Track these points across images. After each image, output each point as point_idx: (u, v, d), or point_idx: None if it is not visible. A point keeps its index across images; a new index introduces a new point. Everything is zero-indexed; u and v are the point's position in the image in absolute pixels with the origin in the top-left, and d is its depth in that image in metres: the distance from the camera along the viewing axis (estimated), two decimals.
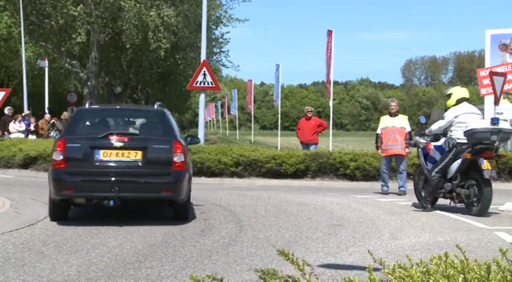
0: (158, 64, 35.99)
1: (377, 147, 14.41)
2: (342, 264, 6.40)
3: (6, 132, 23.31)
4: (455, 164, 10.31)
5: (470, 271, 2.61)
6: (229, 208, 10.57)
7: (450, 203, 10.72)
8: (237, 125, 60.09)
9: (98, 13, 28.51)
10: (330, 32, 24.12)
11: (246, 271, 5.96)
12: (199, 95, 20.78)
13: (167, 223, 8.91)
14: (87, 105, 10.31)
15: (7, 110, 23.85)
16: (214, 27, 38.33)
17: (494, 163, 10.10)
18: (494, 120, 10.08)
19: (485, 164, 9.92)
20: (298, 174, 16.95)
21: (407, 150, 13.95)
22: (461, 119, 10.35)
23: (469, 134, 10.04)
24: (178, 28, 30.07)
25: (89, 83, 31.33)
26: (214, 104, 77.28)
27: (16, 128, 23.16)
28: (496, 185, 16.27)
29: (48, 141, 20.93)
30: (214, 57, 41.50)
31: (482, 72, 23.48)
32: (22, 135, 22.74)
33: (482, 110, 28.05)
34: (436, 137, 10.86)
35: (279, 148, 26.68)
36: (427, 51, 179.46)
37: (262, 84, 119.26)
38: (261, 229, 8.53)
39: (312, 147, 18.84)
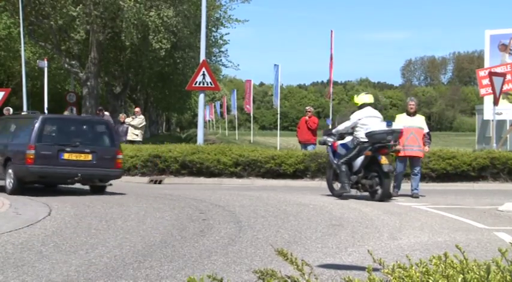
0: (157, 64, 35.97)
1: None
2: (341, 264, 6.40)
3: None
4: (359, 160, 12.22)
5: (469, 271, 2.61)
6: (229, 208, 10.57)
7: (357, 192, 12.55)
8: (236, 125, 60.06)
9: (97, 13, 28.47)
10: (331, 32, 24.15)
11: (245, 271, 5.96)
12: (199, 95, 20.79)
13: (166, 223, 8.91)
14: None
15: (5, 110, 23.78)
16: (214, 29, 38.32)
17: (390, 158, 12.37)
18: (388, 123, 12.31)
19: (383, 160, 11.97)
20: (297, 174, 16.95)
21: (426, 148, 13.48)
22: (364, 121, 12.32)
23: (369, 135, 12.07)
24: (178, 28, 30.05)
25: (88, 83, 31.31)
26: (213, 104, 77.28)
27: None
28: (495, 185, 16.37)
29: None
30: (214, 58, 41.52)
31: (482, 73, 23.49)
32: None
33: (481, 110, 28.08)
34: (341, 136, 12.72)
35: (278, 148, 26.67)
36: (427, 51, 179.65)
37: (262, 84, 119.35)
38: (260, 229, 8.52)
39: (310, 148, 18.86)
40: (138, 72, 38.37)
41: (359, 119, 12.41)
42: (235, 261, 6.44)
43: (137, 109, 25.21)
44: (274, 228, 8.63)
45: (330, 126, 13.44)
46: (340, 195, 12.43)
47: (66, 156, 12.69)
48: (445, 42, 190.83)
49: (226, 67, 45.64)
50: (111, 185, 13.52)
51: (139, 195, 12.84)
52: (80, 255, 6.62)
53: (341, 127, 12.80)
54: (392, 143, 12.27)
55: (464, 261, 2.69)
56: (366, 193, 12.44)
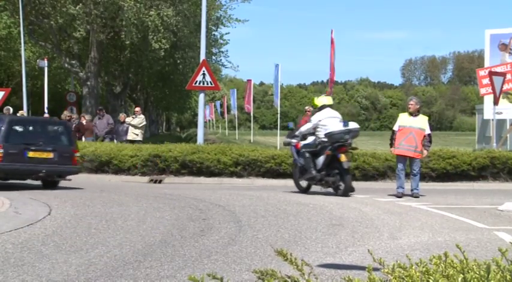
0: (157, 64, 35.97)
1: (391, 145, 13.44)
2: (341, 264, 6.39)
3: None
4: (321, 159, 13.10)
5: (469, 271, 2.61)
6: (229, 208, 10.56)
7: (321, 188, 13.45)
8: (236, 125, 60.00)
9: (97, 12, 28.47)
10: (330, 32, 24.09)
11: (245, 271, 5.96)
12: (199, 94, 20.78)
13: (166, 223, 8.91)
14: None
15: (5, 110, 23.76)
16: (214, 28, 38.32)
17: (349, 155, 13.17)
18: (345, 124, 13.25)
19: (343, 157, 12.83)
20: None
21: (425, 152, 13.18)
22: (324, 122, 13.26)
23: (328, 136, 13.02)
24: (178, 28, 30.05)
25: (88, 83, 31.31)
26: (213, 103, 77.20)
27: None
28: (495, 185, 16.38)
29: None
30: (214, 57, 41.51)
31: (482, 72, 23.50)
32: None
33: (481, 109, 28.08)
34: (304, 137, 13.59)
35: (278, 148, 26.63)
36: (427, 51, 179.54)
37: (262, 84, 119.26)
38: (260, 229, 8.52)
39: None
40: (138, 71, 38.38)
41: (319, 121, 13.34)
42: (235, 261, 6.44)
43: (137, 109, 25.23)
44: (274, 228, 8.63)
45: (291, 127, 14.61)
46: (308, 188, 13.57)
47: (30, 154, 13.83)
48: (445, 41, 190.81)
49: (226, 67, 45.65)
50: (70, 180, 14.52)
51: (139, 194, 12.84)
52: (80, 255, 6.61)
53: (304, 129, 13.72)
54: (350, 141, 13.22)
55: (465, 261, 2.69)
56: (330, 189, 13.31)
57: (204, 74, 19.24)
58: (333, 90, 26.54)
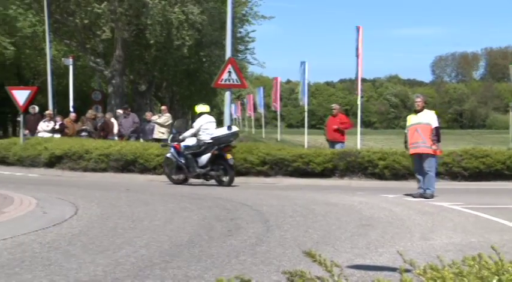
0: (183, 62, 35.98)
1: (406, 147, 13.41)
2: (372, 265, 6.26)
3: (28, 131, 23.19)
4: (206, 157, 15.42)
5: (505, 272, 2.53)
6: (256, 207, 10.46)
7: (203, 181, 15.68)
8: (263, 123, 59.95)
9: (122, 10, 28.54)
10: (358, 28, 23.88)
11: (274, 272, 5.84)
12: (224, 93, 20.70)
13: (193, 223, 8.83)
14: None
15: (31, 109, 23.88)
16: (239, 25, 38.25)
17: (232, 153, 15.66)
18: (229, 127, 15.89)
19: (228, 156, 15.32)
20: (325, 173, 16.80)
21: (434, 147, 12.87)
22: (205, 126, 15.74)
23: (215, 139, 15.41)
24: (203, 25, 30.01)
25: (113, 81, 31.42)
26: (240, 102, 77.23)
27: (43, 127, 23.16)
28: None
29: (73, 140, 21.01)
30: (240, 55, 41.43)
31: None
32: (48, 135, 22.67)
33: None
34: (183, 139, 15.92)
35: (305, 146, 26.50)
36: (457, 47, 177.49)
37: (288, 81, 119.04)
38: (289, 229, 8.40)
39: (338, 146, 18.66)
40: (164, 70, 38.41)
41: (201, 125, 15.77)
42: (264, 262, 6.33)
43: (164, 107, 25.26)
44: (303, 228, 8.50)
45: (175, 132, 16.59)
46: (185, 180, 15.92)
47: None
48: (476, 37, 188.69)
49: (252, 64, 45.55)
50: None
51: (166, 194, 12.80)
52: (106, 255, 6.56)
53: (188, 133, 15.99)
54: (234, 143, 16.27)
55: (500, 262, 2.61)
56: (213, 181, 15.54)
57: (230, 72, 19.15)
58: (363, 88, 26.25)
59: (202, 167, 15.50)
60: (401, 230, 8.46)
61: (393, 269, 5.39)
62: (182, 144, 15.87)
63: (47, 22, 26.44)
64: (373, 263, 6.41)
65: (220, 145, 15.43)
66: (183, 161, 15.74)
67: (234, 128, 16.07)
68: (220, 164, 15.41)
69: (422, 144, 12.82)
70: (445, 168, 16.44)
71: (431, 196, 12.70)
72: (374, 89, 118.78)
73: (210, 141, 15.45)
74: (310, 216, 9.65)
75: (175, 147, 16.00)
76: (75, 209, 9.92)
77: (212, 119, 16.21)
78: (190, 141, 15.83)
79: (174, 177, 16.07)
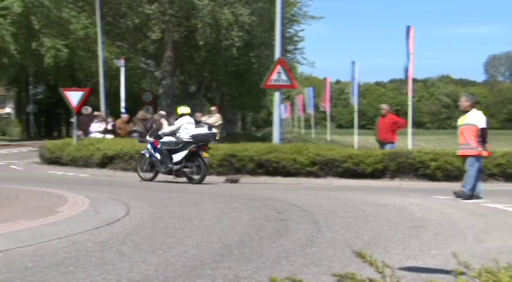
0: (232, 63, 36.13)
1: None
2: (424, 267, 6.17)
3: (82, 132, 23.58)
4: (181, 154, 16.08)
5: None
6: (306, 208, 10.42)
7: (174, 178, 16.51)
8: (313, 124, 59.70)
9: (172, 12, 28.83)
10: (409, 28, 23.55)
11: (324, 273, 5.81)
12: (273, 93, 20.69)
13: (243, 223, 8.85)
14: None
15: (83, 110, 24.30)
16: (288, 25, 38.20)
17: (209, 152, 16.29)
18: (209, 128, 17.49)
19: (205, 154, 16.02)
20: (376, 174, 16.63)
21: (479, 148, 12.46)
22: (185, 126, 16.47)
23: (194, 137, 16.08)
24: (252, 26, 30.07)
25: (164, 82, 31.74)
26: (290, 102, 77.09)
27: (95, 128, 23.55)
28: None
29: (125, 140, 21.32)
30: (289, 55, 41.37)
31: None
32: (100, 135, 23.03)
33: None
34: (160, 136, 16.74)
35: (356, 147, 26.31)
36: (511, 46, 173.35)
37: (338, 81, 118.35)
38: (339, 230, 8.35)
39: (388, 147, 18.45)
40: (213, 70, 38.62)
41: (182, 125, 16.55)
42: (314, 263, 6.31)
43: (213, 108, 25.45)
44: (353, 229, 8.44)
45: (161, 133, 17.29)
46: (155, 177, 16.74)
47: None
48: None
49: (301, 64, 45.43)
50: None
51: (216, 194, 12.87)
52: (158, 254, 6.63)
53: (167, 131, 17.10)
54: (212, 142, 16.93)
55: None
56: (184, 178, 16.33)
57: (279, 73, 19.13)
58: (415, 88, 25.86)
59: (176, 163, 16.17)
60: (454, 232, 8.31)
61: (446, 272, 5.30)
62: (160, 140, 16.59)
63: (99, 24, 26.88)
64: (425, 265, 6.32)
65: (199, 143, 16.08)
66: (158, 157, 16.48)
67: (214, 130, 17.49)
68: (196, 161, 16.03)
69: (466, 146, 12.57)
70: (500, 169, 16.10)
71: (466, 195, 12.36)
72: (425, 89, 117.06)
73: (189, 139, 16.13)
74: (360, 217, 9.57)
75: (153, 143, 16.75)
76: (127, 208, 10.05)
77: (192, 120, 17.20)
78: (167, 139, 16.56)
79: (142, 174, 16.96)
